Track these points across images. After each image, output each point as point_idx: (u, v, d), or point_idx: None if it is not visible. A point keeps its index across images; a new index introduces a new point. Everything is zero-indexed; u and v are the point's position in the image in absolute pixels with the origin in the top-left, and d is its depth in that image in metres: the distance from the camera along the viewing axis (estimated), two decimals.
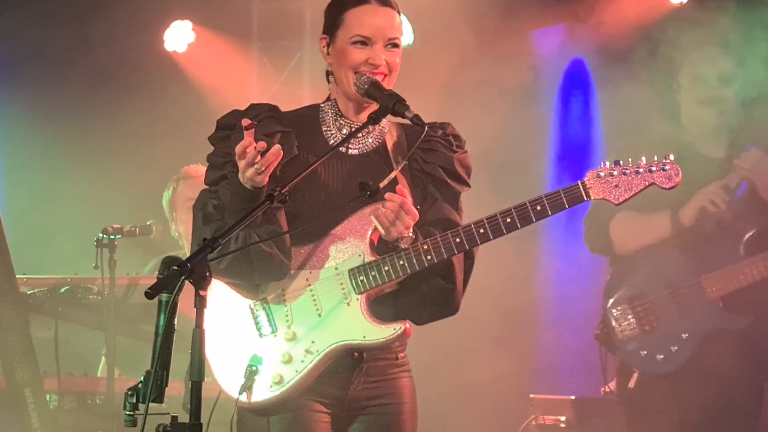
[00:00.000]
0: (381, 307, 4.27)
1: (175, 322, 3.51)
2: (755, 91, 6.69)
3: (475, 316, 5.57)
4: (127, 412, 3.49)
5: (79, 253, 7.76)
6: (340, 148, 4.31)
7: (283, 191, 3.87)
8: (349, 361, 4.24)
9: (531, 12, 8.60)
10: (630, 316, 6.66)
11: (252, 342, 4.22)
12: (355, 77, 4.26)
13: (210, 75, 9.61)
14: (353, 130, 4.33)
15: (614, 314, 6.67)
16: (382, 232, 4.16)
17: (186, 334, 3.58)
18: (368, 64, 4.27)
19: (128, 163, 9.21)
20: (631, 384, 6.67)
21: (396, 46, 4.33)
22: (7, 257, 7.06)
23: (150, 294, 3.48)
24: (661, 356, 6.61)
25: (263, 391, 4.18)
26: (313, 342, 4.19)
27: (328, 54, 4.37)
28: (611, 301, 6.73)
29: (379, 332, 4.19)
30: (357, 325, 4.20)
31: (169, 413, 3.51)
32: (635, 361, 6.66)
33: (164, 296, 3.48)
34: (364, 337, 4.19)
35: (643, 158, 4.29)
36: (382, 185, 4.06)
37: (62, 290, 7.35)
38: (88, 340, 7.60)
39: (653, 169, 4.26)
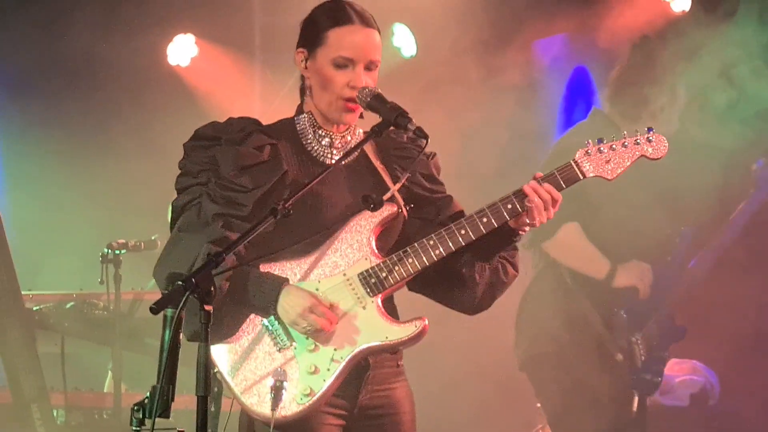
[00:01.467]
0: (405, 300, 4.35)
1: (181, 336, 3.51)
2: (755, 107, 6.74)
3: (484, 325, 5.57)
4: (134, 428, 3.49)
5: (84, 268, 7.77)
6: (327, 160, 4.33)
7: (286, 205, 3.87)
8: (356, 370, 4.24)
9: (534, 21, 8.60)
10: (641, 344, 6.88)
11: (272, 357, 4.18)
12: (357, 92, 4.25)
13: (213, 88, 9.63)
14: (342, 142, 4.35)
15: (639, 341, 6.82)
16: (528, 218, 4.22)
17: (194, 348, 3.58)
18: (349, 87, 4.26)
19: (132, 178, 9.22)
20: (634, 407, 6.89)
21: (375, 66, 4.32)
22: (13, 273, 7.06)
23: (155, 309, 3.48)
24: (658, 378, 6.91)
25: (293, 405, 4.14)
26: (335, 350, 4.17)
27: (305, 68, 4.36)
28: (623, 320, 6.88)
29: (400, 331, 4.20)
30: (377, 328, 4.20)
31: (175, 428, 3.50)
32: (641, 385, 6.91)
33: (169, 311, 3.48)
34: (387, 337, 4.20)
35: (625, 132, 4.33)
36: (385, 197, 4.09)
37: (68, 306, 7.37)
38: (95, 355, 7.62)
39: (640, 141, 4.30)
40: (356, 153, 4.34)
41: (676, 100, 6.88)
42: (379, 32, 4.36)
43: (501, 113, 8.34)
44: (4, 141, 9.85)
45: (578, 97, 8.96)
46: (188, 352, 3.59)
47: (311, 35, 4.33)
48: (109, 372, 7.53)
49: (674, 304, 6.99)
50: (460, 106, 8.27)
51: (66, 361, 7.23)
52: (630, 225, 6.63)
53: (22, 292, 7.18)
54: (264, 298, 4.13)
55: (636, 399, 6.88)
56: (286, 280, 4.15)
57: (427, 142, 4.16)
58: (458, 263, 4.33)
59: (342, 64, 4.26)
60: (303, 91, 4.44)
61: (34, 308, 7.33)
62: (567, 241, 6.70)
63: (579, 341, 6.81)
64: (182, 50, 9.67)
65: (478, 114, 8.22)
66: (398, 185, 4.20)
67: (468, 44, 8.33)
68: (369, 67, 4.29)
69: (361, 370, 4.24)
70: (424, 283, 4.39)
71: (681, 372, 7.90)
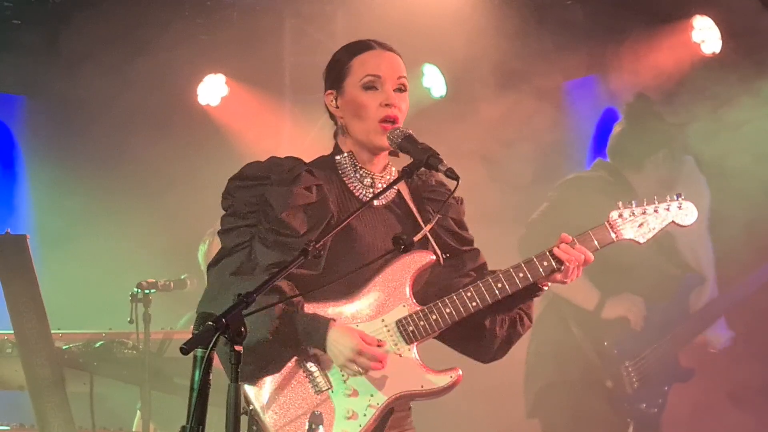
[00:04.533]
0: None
1: (211, 376, 3.49)
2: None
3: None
4: None
5: (113, 307, 7.77)
6: (365, 200, 4.33)
7: (317, 246, 3.86)
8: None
9: (564, 63, 8.61)
10: (633, 372, 6.91)
11: (309, 400, 4.19)
12: (388, 132, 4.26)
13: (243, 128, 9.65)
14: (383, 183, 4.37)
15: (629, 368, 6.83)
16: (561, 275, 4.27)
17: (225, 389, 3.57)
18: (383, 106, 4.28)
19: (162, 217, 9.24)
20: None
21: (404, 89, 4.35)
22: (43, 312, 7.07)
23: (185, 349, 3.47)
24: (655, 409, 6.98)
25: None
26: (371, 395, 4.19)
27: (337, 107, 4.39)
28: (612, 348, 6.94)
29: (436, 380, 4.23)
30: (414, 375, 4.23)
31: None
32: (636, 414, 6.97)
33: (199, 351, 3.47)
34: (422, 386, 4.22)
35: (655, 197, 4.38)
36: (416, 239, 4.07)
37: (97, 345, 7.36)
38: (123, 394, 7.60)
39: (671, 207, 4.37)
40: (394, 195, 4.38)
41: (675, 154, 6.98)
42: (401, 58, 4.40)
43: (529, 153, 8.34)
44: (35, 182, 9.90)
45: (608, 139, 8.96)
46: (218, 392, 3.58)
47: (336, 73, 4.39)
48: (138, 412, 7.52)
49: (678, 345, 7.01)
50: (488, 146, 8.28)
51: (95, 400, 7.22)
52: (624, 260, 6.63)
53: (52, 331, 7.18)
54: (312, 339, 4.12)
55: (631, 428, 6.88)
56: (332, 320, 4.15)
57: (458, 183, 4.15)
58: (481, 315, 4.34)
59: (371, 84, 4.29)
60: (337, 134, 4.45)
61: (64, 347, 7.33)
62: None
63: (577, 373, 6.85)
64: (212, 90, 9.72)
65: (506, 154, 8.22)
66: (429, 226, 4.22)
67: (497, 85, 8.34)
68: (399, 87, 4.32)
69: (387, 414, 4.25)
70: (444, 330, 4.37)
71: None
